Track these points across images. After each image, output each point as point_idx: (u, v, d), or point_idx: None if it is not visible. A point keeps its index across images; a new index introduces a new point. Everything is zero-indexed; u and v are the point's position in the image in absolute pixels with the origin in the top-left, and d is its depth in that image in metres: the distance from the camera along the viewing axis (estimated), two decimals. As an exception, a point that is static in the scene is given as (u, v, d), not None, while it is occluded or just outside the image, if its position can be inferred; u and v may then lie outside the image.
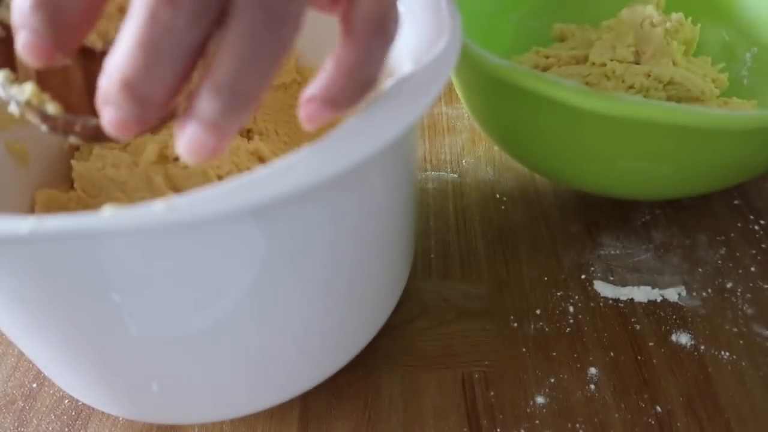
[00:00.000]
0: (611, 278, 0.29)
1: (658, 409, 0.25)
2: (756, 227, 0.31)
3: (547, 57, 0.35)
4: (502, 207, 0.33)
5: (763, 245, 0.30)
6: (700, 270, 0.30)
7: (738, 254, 0.30)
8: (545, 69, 0.35)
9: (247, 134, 0.31)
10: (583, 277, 0.29)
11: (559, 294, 0.29)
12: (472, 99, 0.30)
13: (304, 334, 0.22)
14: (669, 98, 0.32)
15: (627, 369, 0.26)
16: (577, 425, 0.24)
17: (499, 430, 0.24)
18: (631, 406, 0.25)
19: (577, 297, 0.29)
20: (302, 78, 0.33)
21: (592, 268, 0.30)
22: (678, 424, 0.24)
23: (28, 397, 0.26)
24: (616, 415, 0.24)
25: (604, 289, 0.29)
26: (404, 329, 0.28)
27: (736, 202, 0.33)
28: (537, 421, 0.24)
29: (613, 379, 0.26)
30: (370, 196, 0.21)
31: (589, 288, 0.29)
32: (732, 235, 0.31)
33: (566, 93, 0.24)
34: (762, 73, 0.35)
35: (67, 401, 0.25)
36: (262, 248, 0.18)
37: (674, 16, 0.36)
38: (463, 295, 0.29)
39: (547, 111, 0.26)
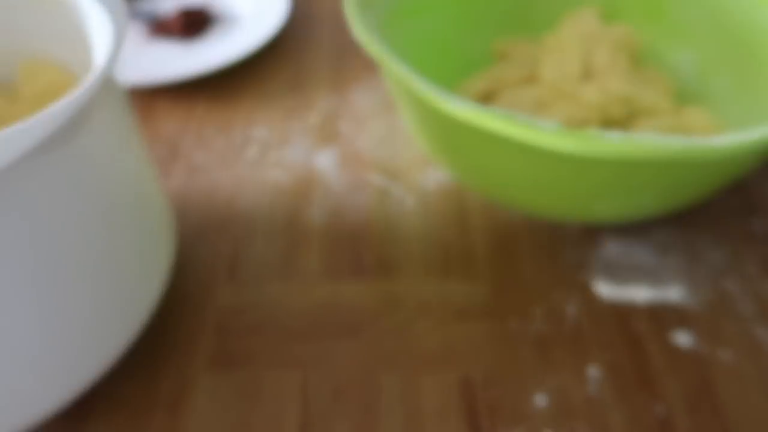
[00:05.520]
0: (611, 278, 0.29)
1: (658, 409, 0.25)
2: (756, 227, 0.31)
3: (494, 79, 0.34)
4: (503, 207, 0.33)
5: (763, 245, 0.30)
6: (700, 270, 0.29)
7: (738, 254, 0.30)
8: (493, 93, 0.34)
9: None
10: (583, 277, 0.29)
11: (559, 294, 0.29)
12: (429, 141, 0.29)
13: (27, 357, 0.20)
14: (624, 114, 0.31)
15: (627, 369, 0.26)
16: (577, 425, 0.24)
17: (499, 430, 0.24)
18: (631, 406, 0.25)
19: (577, 297, 0.29)
20: None
21: (592, 268, 0.30)
22: (678, 424, 0.24)
23: None
24: (616, 415, 0.24)
25: (604, 289, 0.29)
26: (404, 329, 0.28)
27: (736, 202, 0.33)
28: (537, 422, 0.24)
29: (613, 379, 0.26)
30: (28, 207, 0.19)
31: (589, 288, 0.29)
32: (732, 235, 0.31)
33: (545, 137, 0.22)
34: (705, 77, 0.34)
35: None
36: None
37: (618, 26, 0.34)
38: (463, 295, 0.29)
39: (520, 153, 0.24)
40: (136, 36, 0.45)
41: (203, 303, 0.29)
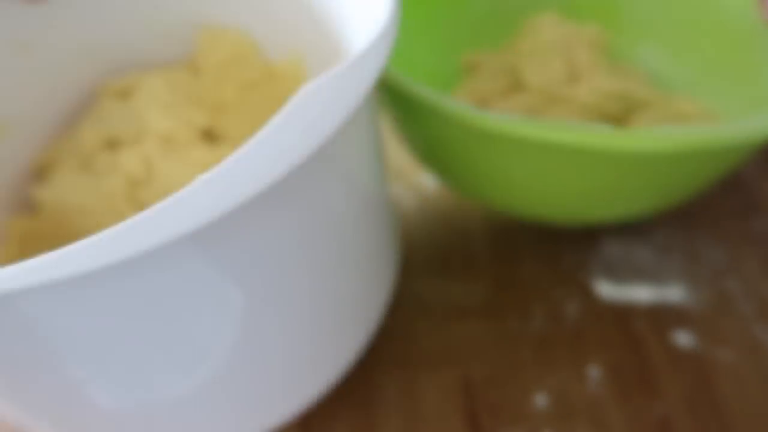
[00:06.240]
0: (611, 278, 0.29)
1: (658, 409, 0.25)
2: (756, 227, 0.31)
3: (475, 93, 0.33)
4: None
5: (763, 245, 0.30)
6: (700, 270, 0.29)
7: (738, 254, 0.30)
8: (484, 104, 0.33)
9: (212, 141, 0.27)
10: (583, 277, 0.29)
11: (559, 294, 0.29)
12: (418, 145, 0.28)
13: (287, 362, 0.20)
14: (620, 110, 0.31)
15: (627, 369, 0.26)
16: (577, 425, 0.24)
17: (499, 430, 0.24)
18: (631, 406, 0.25)
19: (577, 297, 0.29)
20: (271, 75, 0.28)
21: (592, 268, 0.30)
22: (678, 424, 0.24)
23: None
24: (616, 415, 0.24)
25: (604, 289, 0.29)
26: (404, 329, 0.28)
27: (736, 202, 0.33)
28: (537, 422, 0.24)
29: (613, 379, 0.26)
30: (320, 203, 0.18)
31: (589, 288, 0.29)
32: (732, 235, 0.31)
33: (603, 140, 0.22)
34: (669, 70, 0.34)
35: None
36: (216, 278, 0.16)
37: (588, 27, 0.34)
38: (463, 295, 0.29)
39: (566, 160, 0.24)
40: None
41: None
